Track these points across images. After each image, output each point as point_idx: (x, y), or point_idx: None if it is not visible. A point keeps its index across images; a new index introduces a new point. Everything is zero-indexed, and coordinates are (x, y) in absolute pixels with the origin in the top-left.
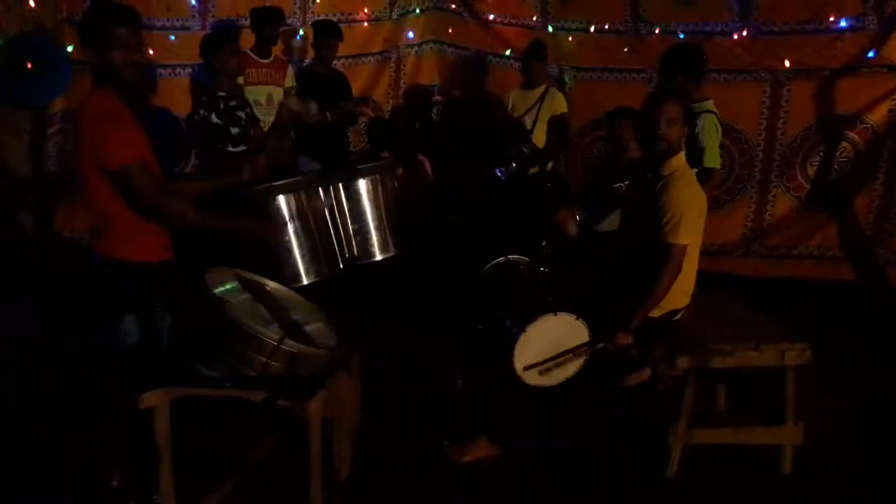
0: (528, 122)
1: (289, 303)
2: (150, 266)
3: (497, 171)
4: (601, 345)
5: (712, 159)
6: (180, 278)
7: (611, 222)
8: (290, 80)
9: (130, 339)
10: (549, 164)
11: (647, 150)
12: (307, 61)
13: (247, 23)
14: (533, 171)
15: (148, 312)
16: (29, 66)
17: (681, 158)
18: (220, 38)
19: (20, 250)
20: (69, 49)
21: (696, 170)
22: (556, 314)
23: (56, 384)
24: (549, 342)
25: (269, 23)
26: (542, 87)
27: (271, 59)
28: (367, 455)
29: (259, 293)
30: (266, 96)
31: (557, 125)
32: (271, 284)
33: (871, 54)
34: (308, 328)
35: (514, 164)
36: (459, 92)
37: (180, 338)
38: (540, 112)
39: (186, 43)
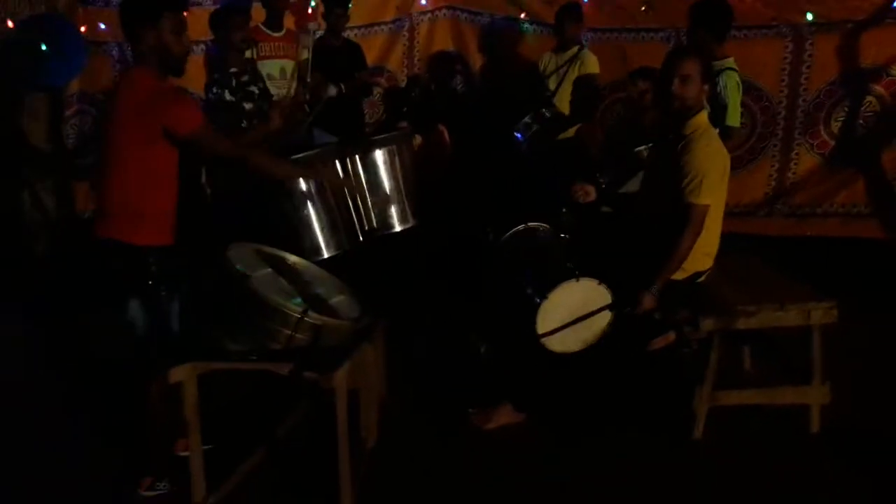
0: (552, 84)
1: (310, 276)
2: (154, 249)
3: (517, 134)
4: (627, 309)
5: (733, 117)
6: (186, 262)
7: (633, 185)
8: (302, 54)
9: (138, 323)
10: (574, 130)
11: (664, 109)
12: (319, 33)
13: None
14: (558, 136)
15: (154, 295)
16: (44, 48)
17: (703, 117)
18: (226, 13)
19: (44, 230)
20: (83, 30)
21: (717, 129)
22: (577, 280)
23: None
24: (572, 308)
25: None
26: (574, 49)
27: (283, 32)
28: (392, 424)
29: (280, 267)
30: (279, 70)
31: (584, 85)
32: (292, 258)
33: None
34: (330, 300)
35: (535, 126)
36: (473, 58)
37: (205, 313)
38: (567, 74)
39: (199, 19)
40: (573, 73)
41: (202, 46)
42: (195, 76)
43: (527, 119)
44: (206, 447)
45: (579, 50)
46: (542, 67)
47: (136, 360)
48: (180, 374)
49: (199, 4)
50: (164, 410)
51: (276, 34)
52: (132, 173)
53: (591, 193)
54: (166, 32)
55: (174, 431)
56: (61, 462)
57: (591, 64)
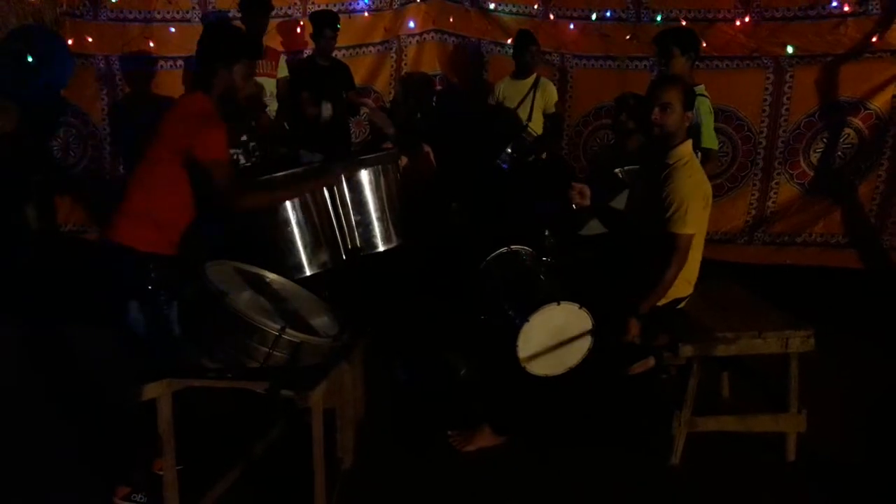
0: (523, 114)
1: (289, 293)
2: (160, 257)
3: (501, 164)
4: (613, 336)
5: (709, 140)
6: (185, 273)
7: (616, 204)
8: (282, 71)
9: (138, 326)
10: (544, 154)
11: (647, 135)
12: (307, 52)
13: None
14: (532, 158)
15: (153, 300)
16: (30, 59)
17: (687, 147)
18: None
19: (28, 243)
20: (69, 42)
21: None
22: (559, 303)
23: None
24: (552, 331)
25: (257, 13)
26: (533, 77)
27: (262, 50)
28: (370, 444)
29: (260, 285)
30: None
31: (550, 116)
32: (271, 276)
33: (874, 39)
34: (309, 318)
35: (514, 153)
36: (460, 81)
37: (183, 330)
38: (534, 102)
39: (186, 35)
40: (540, 101)
41: (180, 62)
42: (180, 90)
43: (508, 149)
44: (178, 468)
45: (538, 78)
46: (498, 94)
47: (132, 365)
48: (155, 390)
49: (188, 21)
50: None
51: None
52: (158, 180)
53: (587, 194)
54: (239, 76)
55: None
56: (40, 468)
57: (552, 94)
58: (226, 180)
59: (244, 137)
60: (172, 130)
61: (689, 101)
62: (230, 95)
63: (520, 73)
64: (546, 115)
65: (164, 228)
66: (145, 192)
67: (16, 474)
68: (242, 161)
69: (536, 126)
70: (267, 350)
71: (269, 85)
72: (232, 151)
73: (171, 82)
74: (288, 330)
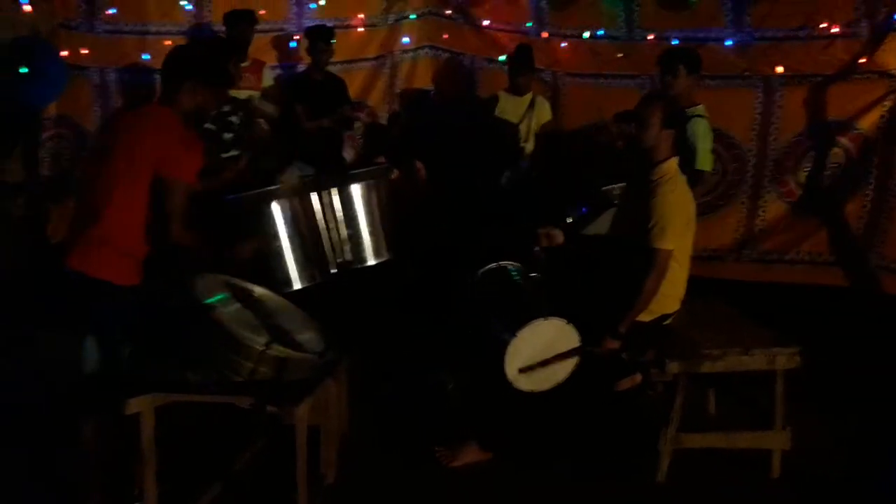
0: (522, 132)
1: (276, 308)
2: (122, 289)
3: (504, 178)
4: (590, 349)
5: (704, 162)
6: (151, 299)
7: (602, 224)
8: (266, 81)
9: (89, 360)
10: (534, 174)
11: (634, 152)
12: (302, 67)
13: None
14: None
15: (109, 335)
16: (24, 70)
17: (671, 164)
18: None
19: (15, 256)
20: (64, 54)
21: (686, 174)
22: (546, 319)
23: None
24: (540, 347)
25: (242, 25)
26: (530, 96)
27: (248, 62)
28: (355, 460)
29: (246, 299)
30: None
31: (544, 135)
32: (258, 290)
33: (862, 60)
34: (295, 334)
35: (514, 177)
36: (453, 97)
37: (164, 346)
38: (532, 122)
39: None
40: (536, 121)
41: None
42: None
43: (507, 173)
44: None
45: (534, 96)
46: (498, 109)
47: (74, 395)
48: (138, 404)
49: (183, 34)
50: (112, 449)
51: (240, 64)
52: (126, 201)
53: (557, 238)
54: (210, 95)
55: (130, 472)
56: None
57: (547, 113)
58: (181, 206)
59: (226, 108)
60: (141, 142)
61: (671, 119)
62: (199, 117)
63: (516, 90)
64: (537, 134)
65: (135, 255)
66: (117, 218)
67: None
68: (207, 124)
69: (530, 145)
70: (252, 365)
71: (256, 97)
72: (207, 126)
73: None
74: (273, 345)
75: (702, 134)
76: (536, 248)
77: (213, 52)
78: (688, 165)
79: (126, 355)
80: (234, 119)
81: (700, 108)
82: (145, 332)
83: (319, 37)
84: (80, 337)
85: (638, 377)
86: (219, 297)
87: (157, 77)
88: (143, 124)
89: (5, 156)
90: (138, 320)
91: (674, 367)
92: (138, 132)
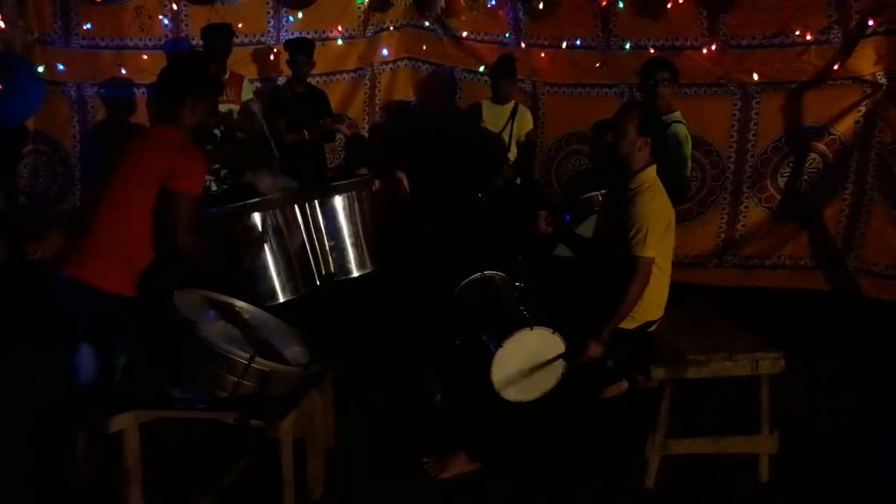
0: (504, 141)
1: (259, 321)
2: (119, 299)
3: (481, 196)
4: (575, 356)
5: (686, 166)
6: (143, 312)
7: (584, 232)
8: (246, 94)
9: (84, 370)
10: (518, 180)
11: (613, 160)
12: (282, 80)
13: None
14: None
15: (106, 345)
16: (0, 86)
17: (650, 172)
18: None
19: None
20: (41, 69)
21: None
22: (532, 328)
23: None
24: (526, 357)
25: (219, 38)
26: (512, 104)
27: (227, 75)
28: (341, 474)
29: (229, 313)
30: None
31: (525, 144)
32: (239, 304)
33: (836, 67)
34: (279, 347)
35: (496, 186)
36: (433, 108)
37: (150, 360)
38: (514, 130)
39: (159, 62)
40: (518, 130)
41: (142, 90)
42: (147, 118)
43: (489, 183)
44: None
45: (516, 105)
46: (484, 117)
47: (69, 408)
48: (122, 422)
49: (161, 48)
50: (100, 465)
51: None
52: (133, 221)
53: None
54: (208, 109)
55: (117, 495)
56: None
57: (528, 122)
58: (187, 218)
59: (216, 165)
60: (148, 161)
61: (649, 126)
62: (202, 132)
63: (497, 99)
64: (518, 143)
65: (133, 266)
66: (119, 226)
67: None
68: (214, 188)
69: (512, 153)
70: (236, 379)
71: (235, 111)
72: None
73: (143, 110)
74: (257, 359)
75: (683, 138)
76: (520, 258)
77: (203, 66)
78: (670, 172)
79: (121, 366)
80: (215, 132)
81: (677, 115)
82: (138, 344)
83: (300, 49)
84: (72, 347)
85: (624, 384)
86: (211, 314)
87: (136, 91)
88: (149, 142)
89: None
90: (134, 332)
91: (659, 373)
92: (145, 149)
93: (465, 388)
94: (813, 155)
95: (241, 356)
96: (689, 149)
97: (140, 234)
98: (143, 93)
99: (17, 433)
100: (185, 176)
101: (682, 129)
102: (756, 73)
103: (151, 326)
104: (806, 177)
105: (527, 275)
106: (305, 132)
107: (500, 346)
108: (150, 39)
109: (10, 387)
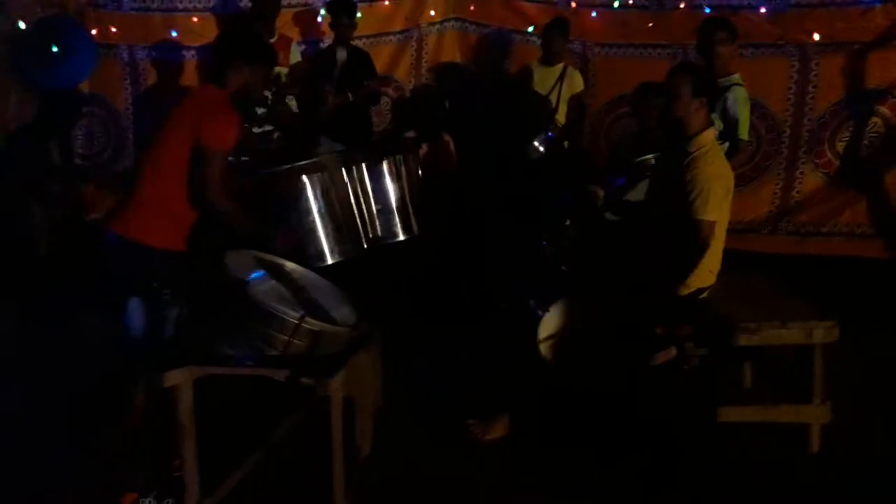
0: (552, 102)
1: (308, 282)
2: (167, 253)
3: (536, 143)
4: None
5: (744, 131)
6: (196, 268)
7: (637, 196)
8: (294, 57)
9: (135, 323)
10: (566, 144)
11: (667, 122)
12: (325, 42)
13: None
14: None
15: (156, 298)
16: (54, 49)
17: (709, 135)
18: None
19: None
20: (93, 32)
21: (726, 143)
22: (578, 295)
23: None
24: (571, 323)
25: (267, 2)
26: (561, 66)
27: (275, 38)
28: (389, 433)
29: (279, 274)
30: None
31: (576, 106)
32: (289, 265)
33: None
34: (328, 307)
35: (543, 147)
36: (480, 70)
37: (203, 318)
38: (561, 92)
39: (209, 24)
40: (567, 91)
41: (192, 52)
42: (198, 80)
43: (535, 143)
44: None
45: (566, 67)
46: (534, 77)
47: (125, 364)
48: (176, 377)
49: (211, 10)
50: (155, 422)
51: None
52: (174, 170)
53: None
54: (254, 73)
55: (171, 449)
56: (47, 466)
57: (578, 83)
58: (219, 175)
59: (270, 127)
60: (186, 118)
61: (703, 88)
62: (247, 95)
63: (547, 60)
64: (569, 105)
65: (178, 221)
66: (159, 182)
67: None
68: (259, 111)
69: (561, 116)
70: (286, 338)
71: (283, 74)
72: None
73: (194, 72)
74: (307, 318)
75: (742, 102)
76: (568, 222)
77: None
78: (729, 135)
79: (173, 319)
80: (266, 94)
81: (737, 77)
82: (190, 301)
83: (342, 11)
84: (124, 302)
85: (673, 351)
86: (256, 274)
87: (186, 54)
88: (191, 100)
89: (49, 136)
90: (185, 286)
91: (710, 340)
92: (186, 106)
93: (510, 351)
94: (875, 119)
95: (292, 316)
96: (748, 111)
97: (176, 189)
98: (193, 55)
99: (75, 394)
100: (214, 134)
101: (741, 92)
102: (816, 33)
103: (204, 285)
104: (866, 141)
105: (575, 238)
106: (350, 94)
107: (547, 310)
108: (199, 1)
109: (71, 348)
